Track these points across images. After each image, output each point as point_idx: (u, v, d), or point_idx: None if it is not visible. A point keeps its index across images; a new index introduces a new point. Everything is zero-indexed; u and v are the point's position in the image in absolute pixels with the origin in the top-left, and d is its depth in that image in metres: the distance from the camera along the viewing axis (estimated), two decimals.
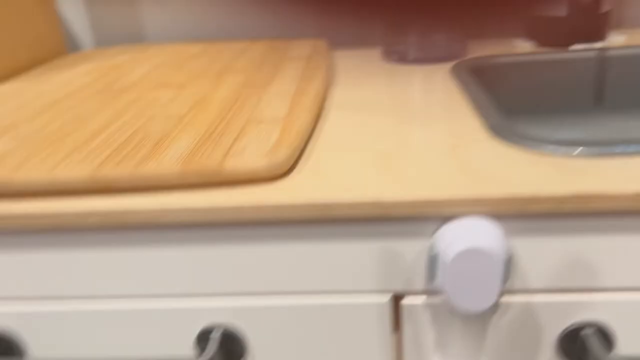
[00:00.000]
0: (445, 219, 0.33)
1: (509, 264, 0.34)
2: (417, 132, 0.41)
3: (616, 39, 0.63)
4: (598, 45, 0.60)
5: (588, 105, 0.59)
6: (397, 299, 0.36)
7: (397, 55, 0.62)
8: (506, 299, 0.35)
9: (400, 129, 0.42)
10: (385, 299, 0.36)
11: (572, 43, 0.61)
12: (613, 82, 0.58)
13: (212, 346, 0.37)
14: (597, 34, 0.61)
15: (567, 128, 0.59)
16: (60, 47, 0.71)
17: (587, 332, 0.35)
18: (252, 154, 0.35)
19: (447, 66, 0.59)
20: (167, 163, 0.35)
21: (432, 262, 0.33)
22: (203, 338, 0.38)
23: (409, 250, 0.34)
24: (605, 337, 0.35)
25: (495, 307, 0.35)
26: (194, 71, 0.57)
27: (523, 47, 0.64)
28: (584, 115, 0.60)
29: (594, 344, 0.34)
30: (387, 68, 0.60)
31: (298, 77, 0.52)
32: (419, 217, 0.33)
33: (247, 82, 0.52)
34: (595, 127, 0.59)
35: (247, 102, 0.46)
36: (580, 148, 0.35)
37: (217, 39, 0.75)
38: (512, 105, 0.60)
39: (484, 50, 0.64)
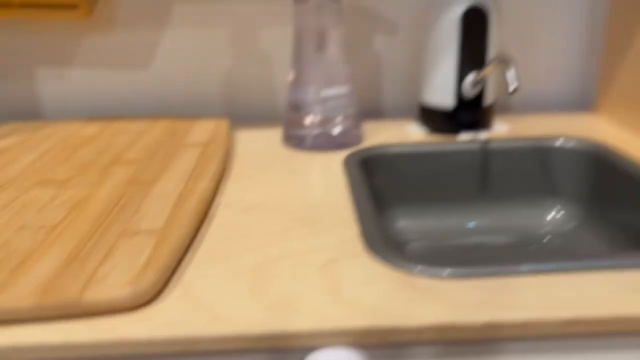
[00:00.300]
0: (310, 349, 0.33)
1: None
2: (297, 242, 0.42)
3: (500, 128, 0.67)
4: (483, 134, 0.64)
5: (474, 193, 0.62)
6: None
7: (296, 141, 0.63)
8: None
9: (282, 237, 0.42)
10: None
11: (459, 132, 0.64)
12: (496, 172, 0.62)
13: None
14: (482, 124, 0.65)
15: (453, 215, 0.62)
16: None
17: None
18: (115, 281, 0.34)
19: (343, 154, 0.60)
20: (22, 292, 0.33)
21: None
22: None
23: None
24: None
25: None
26: (82, 162, 0.55)
27: (415, 133, 0.67)
28: (471, 202, 0.62)
29: None
30: (285, 155, 0.61)
31: (189, 171, 0.52)
32: (284, 349, 0.33)
33: (135, 177, 0.51)
34: (480, 215, 0.62)
35: (127, 206, 0.45)
36: (449, 270, 0.36)
37: (119, 116, 0.73)
38: (402, 192, 0.62)
39: (380, 134, 0.66)
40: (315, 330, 0.32)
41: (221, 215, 0.47)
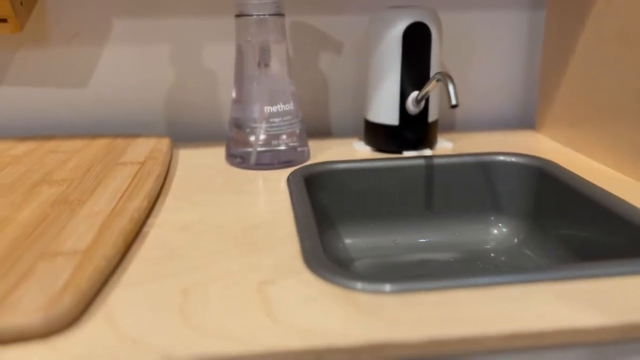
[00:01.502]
0: None
1: None
2: (233, 263, 0.39)
3: (444, 145, 0.67)
4: (427, 151, 0.64)
5: (420, 209, 0.62)
6: None
7: (239, 159, 0.61)
8: None
9: (217, 257, 0.40)
10: None
11: (404, 149, 0.64)
12: (441, 187, 0.61)
13: None
14: (427, 141, 0.64)
15: (400, 232, 0.61)
16: None
17: None
18: (27, 306, 0.31)
19: (287, 171, 0.59)
20: None
21: None
22: None
23: None
24: None
25: None
26: (6, 181, 0.52)
27: (361, 150, 0.66)
28: (417, 218, 0.62)
29: None
30: (228, 173, 0.59)
31: (122, 190, 0.49)
32: None
33: (63, 196, 0.48)
34: (426, 231, 0.62)
35: (51, 226, 0.42)
36: (390, 286, 0.35)
37: (60, 134, 0.70)
38: (348, 209, 0.61)
39: (326, 152, 0.66)
40: (247, 354, 0.30)
41: (154, 235, 0.44)
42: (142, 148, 0.63)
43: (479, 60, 0.77)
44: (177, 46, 0.72)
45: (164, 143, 0.65)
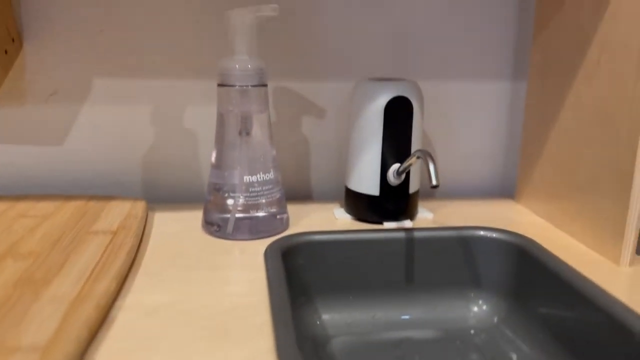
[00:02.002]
0: None
1: None
2: (201, 357, 0.38)
3: (425, 216, 0.67)
4: (408, 223, 0.63)
5: (399, 283, 0.61)
6: None
7: (216, 227, 0.60)
8: None
9: (185, 351, 0.38)
10: None
11: (385, 219, 0.63)
12: (421, 261, 0.61)
13: None
14: (407, 212, 0.64)
15: (379, 308, 0.60)
16: None
17: None
18: None
19: (265, 242, 0.57)
20: None
21: None
22: None
23: None
24: None
25: None
26: None
27: (341, 218, 0.65)
28: (397, 293, 0.61)
29: None
30: (203, 244, 0.58)
31: (91, 267, 0.47)
32: None
33: (28, 274, 0.46)
34: (406, 307, 0.60)
35: (11, 312, 0.40)
36: None
37: (34, 192, 0.68)
38: (326, 283, 0.59)
39: (306, 219, 0.65)
40: None
41: (122, 320, 0.42)
42: (116, 213, 0.61)
43: (461, 129, 0.77)
44: (157, 107, 0.71)
45: (140, 207, 0.63)
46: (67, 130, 0.70)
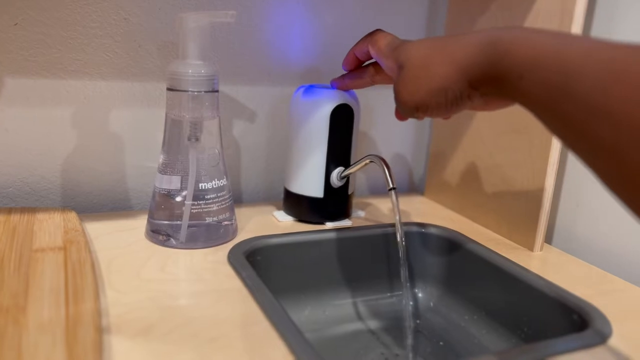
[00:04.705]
0: None
1: None
2: None
3: (358, 214, 0.72)
4: (347, 222, 0.67)
5: (346, 279, 0.65)
6: None
7: (165, 237, 0.58)
8: None
9: None
10: None
11: (327, 220, 0.67)
12: (363, 258, 0.65)
13: None
14: (346, 213, 0.68)
15: (328, 303, 0.63)
16: None
17: None
18: None
19: (218, 249, 0.57)
20: None
21: None
22: None
23: None
24: None
25: None
26: None
27: (284, 220, 0.67)
28: (344, 288, 0.65)
29: None
30: (158, 253, 0.56)
31: (61, 289, 0.43)
32: None
33: None
34: (354, 300, 0.65)
35: (2, 346, 0.35)
36: None
37: None
38: (284, 283, 0.61)
39: (249, 222, 0.65)
40: None
41: (117, 345, 0.40)
42: (51, 227, 0.56)
43: (377, 134, 0.83)
44: (79, 109, 0.66)
45: (73, 219, 0.59)
46: None
